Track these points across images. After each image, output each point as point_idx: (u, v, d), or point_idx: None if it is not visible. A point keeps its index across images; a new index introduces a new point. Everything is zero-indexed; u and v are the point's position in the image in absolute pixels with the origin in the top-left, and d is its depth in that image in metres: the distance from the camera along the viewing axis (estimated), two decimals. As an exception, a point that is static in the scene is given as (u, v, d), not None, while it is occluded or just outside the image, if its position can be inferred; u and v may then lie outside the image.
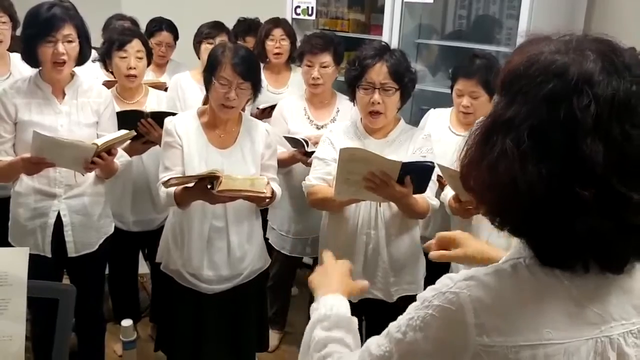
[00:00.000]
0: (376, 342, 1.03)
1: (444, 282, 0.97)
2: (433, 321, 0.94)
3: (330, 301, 1.29)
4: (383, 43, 2.46)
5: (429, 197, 2.33)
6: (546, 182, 0.85)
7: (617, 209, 0.85)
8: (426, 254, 2.55)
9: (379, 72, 2.30)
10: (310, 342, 1.22)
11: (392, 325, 1.02)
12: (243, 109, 2.56)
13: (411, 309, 1.00)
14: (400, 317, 1.01)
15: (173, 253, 2.50)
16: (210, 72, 2.35)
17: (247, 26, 3.87)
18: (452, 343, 0.93)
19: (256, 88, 2.41)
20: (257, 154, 2.46)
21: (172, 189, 2.32)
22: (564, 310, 0.92)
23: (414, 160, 2.17)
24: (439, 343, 0.94)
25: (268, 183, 2.34)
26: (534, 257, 0.94)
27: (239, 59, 2.31)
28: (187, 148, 2.38)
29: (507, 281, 0.94)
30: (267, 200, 2.35)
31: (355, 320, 1.26)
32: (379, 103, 2.31)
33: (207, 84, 2.38)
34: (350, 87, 2.40)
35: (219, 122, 2.43)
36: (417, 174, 2.16)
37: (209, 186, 2.22)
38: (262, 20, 3.70)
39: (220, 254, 2.46)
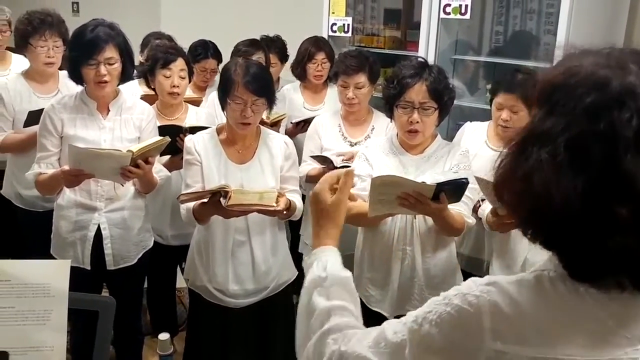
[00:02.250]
0: (393, 329, 1.02)
1: (468, 284, 0.96)
2: (450, 319, 0.94)
3: (324, 258, 1.22)
4: (422, 60, 2.44)
5: (465, 215, 2.30)
6: (581, 197, 0.82)
7: None
8: (463, 270, 2.54)
9: (418, 91, 2.28)
10: (309, 307, 1.17)
11: (410, 315, 1.01)
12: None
13: (431, 302, 0.99)
14: (419, 309, 1.00)
15: (199, 269, 2.52)
16: (224, 93, 2.38)
17: (265, 44, 3.80)
18: (466, 343, 0.92)
19: (271, 101, 2.44)
20: (276, 166, 2.48)
21: (191, 205, 2.36)
22: (584, 328, 0.89)
23: (447, 180, 2.15)
24: (453, 341, 0.94)
25: (282, 196, 2.34)
26: (559, 271, 0.92)
27: (250, 77, 2.34)
28: (207, 164, 2.42)
29: (528, 292, 0.92)
30: (284, 213, 2.35)
31: (349, 276, 1.21)
32: (417, 122, 2.29)
33: (223, 103, 2.42)
34: (388, 104, 2.39)
35: (237, 138, 2.47)
36: (451, 190, 2.14)
37: (223, 201, 2.24)
38: (300, 38, 3.73)
39: (245, 267, 2.48)
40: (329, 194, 1.31)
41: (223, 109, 2.44)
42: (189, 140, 2.47)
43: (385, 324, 1.06)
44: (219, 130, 2.51)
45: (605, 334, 0.89)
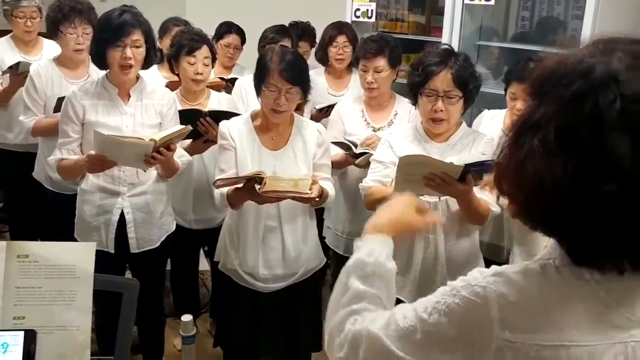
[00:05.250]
0: (403, 314, 1.04)
1: (474, 275, 0.98)
2: (458, 310, 0.96)
3: (371, 245, 1.26)
4: (447, 47, 2.41)
5: (490, 203, 2.29)
6: (572, 179, 0.85)
7: None
8: (485, 259, 2.53)
9: (443, 79, 2.25)
10: (345, 285, 1.20)
11: (420, 303, 1.03)
12: (301, 110, 2.59)
13: (439, 293, 1.01)
14: (429, 297, 1.03)
15: (230, 253, 2.56)
16: (259, 79, 2.40)
17: (300, 31, 3.89)
18: (475, 334, 0.94)
19: (305, 90, 2.45)
20: (309, 153, 2.49)
21: (225, 190, 2.39)
22: (590, 312, 0.91)
23: (474, 161, 2.14)
24: (462, 331, 0.96)
25: (315, 183, 2.36)
26: (564, 259, 0.94)
27: (286, 65, 2.34)
28: (240, 150, 2.44)
29: (535, 280, 0.94)
30: (316, 200, 2.36)
31: (393, 269, 1.23)
32: (441, 110, 2.27)
33: (257, 90, 2.43)
34: (413, 92, 2.37)
35: (271, 125, 2.48)
36: (478, 172, 2.13)
37: (257, 186, 2.26)
38: (323, 24, 3.73)
39: (275, 253, 2.50)
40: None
41: (258, 95, 2.45)
42: (224, 126, 2.49)
43: (397, 307, 1.08)
44: (253, 117, 2.53)
45: (610, 318, 0.91)
